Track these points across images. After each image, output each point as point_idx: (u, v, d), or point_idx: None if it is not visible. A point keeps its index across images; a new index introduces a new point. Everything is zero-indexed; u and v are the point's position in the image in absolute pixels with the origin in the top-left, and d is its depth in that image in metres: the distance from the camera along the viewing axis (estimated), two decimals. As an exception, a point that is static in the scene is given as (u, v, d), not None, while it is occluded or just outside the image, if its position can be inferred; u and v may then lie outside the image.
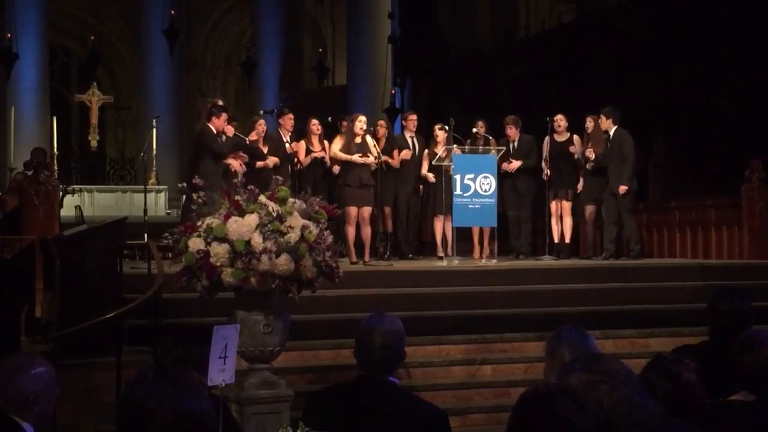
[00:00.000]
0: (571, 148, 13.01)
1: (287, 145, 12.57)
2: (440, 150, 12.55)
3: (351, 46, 22.51)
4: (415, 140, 13.28)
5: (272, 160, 12.32)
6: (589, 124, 13.06)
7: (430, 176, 12.90)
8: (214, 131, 11.72)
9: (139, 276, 9.23)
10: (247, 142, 12.33)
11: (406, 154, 13.02)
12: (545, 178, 13.06)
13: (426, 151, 13.10)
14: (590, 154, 12.85)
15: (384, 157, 12.55)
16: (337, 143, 12.36)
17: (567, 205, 13.12)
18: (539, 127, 13.37)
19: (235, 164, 11.85)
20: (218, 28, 31.82)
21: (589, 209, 13.15)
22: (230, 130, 12.06)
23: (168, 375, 2.39)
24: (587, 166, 12.94)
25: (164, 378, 2.38)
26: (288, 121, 12.87)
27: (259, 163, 12.24)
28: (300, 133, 13.07)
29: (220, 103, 12.71)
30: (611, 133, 12.78)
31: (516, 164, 13.01)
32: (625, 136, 12.75)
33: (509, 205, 13.20)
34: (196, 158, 11.81)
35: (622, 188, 12.58)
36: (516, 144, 13.17)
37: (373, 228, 12.36)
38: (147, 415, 2.31)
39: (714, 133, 15.41)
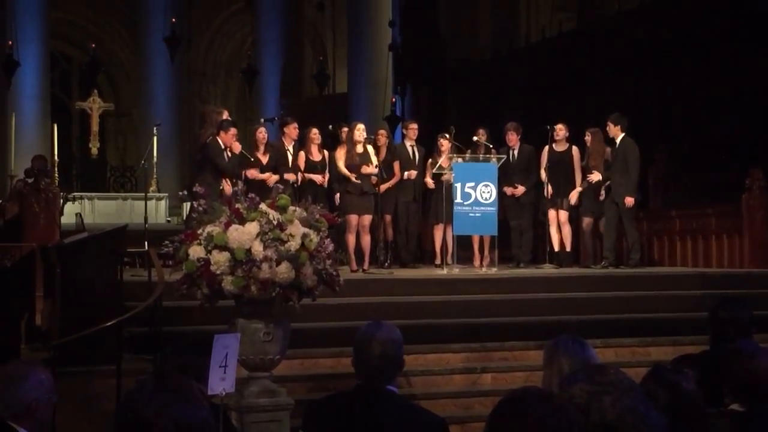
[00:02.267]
0: (590, 181, 12.93)
1: (289, 154, 12.56)
2: (444, 160, 12.57)
3: (351, 53, 22.52)
4: (415, 149, 13.29)
5: (271, 180, 12.10)
6: (587, 138, 13.03)
7: (430, 182, 12.89)
8: (222, 146, 11.70)
9: (139, 284, 9.22)
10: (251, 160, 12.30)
11: (410, 174, 13.01)
12: (546, 195, 13.02)
13: (429, 161, 13.10)
14: (596, 176, 12.81)
15: (384, 186, 12.51)
16: (341, 157, 12.26)
17: (564, 214, 13.09)
18: (539, 135, 13.37)
19: (227, 188, 11.74)
20: (219, 35, 31.86)
21: (587, 221, 13.12)
22: (237, 147, 12.00)
23: (167, 384, 2.39)
24: (592, 179, 12.90)
25: (163, 387, 2.38)
26: (293, 130, 12.80)
27: (258, 176, 12.12)
28: (300, 141, 13.06)
29: (226, 114, 12.66)
30: (618, 140, 12.76)
31: (521, 189, 13.02)
32: (631, 146, 12.73)
33: (510, 214, 13.20)
34: (196, 168, 11.77)
35: (629, 200, 12.56)
36: (516, 153, 13.15)
37: (373, 236, 12.36)
38: (146, 425, 2.31)
39: (715, 141, 15.42)
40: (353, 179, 12.00)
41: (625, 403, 2.61)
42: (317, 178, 12.53)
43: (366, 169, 12.06)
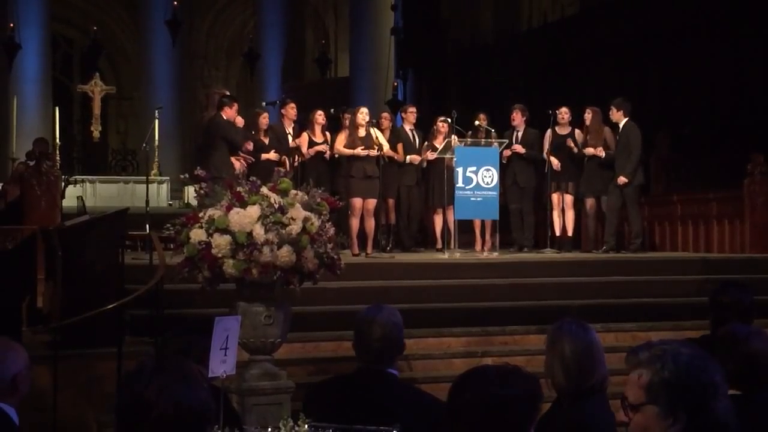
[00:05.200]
0: (569, 142, 12.96)
1: (290, 136, 12.61)
2: (440, 141, 12.57)
3: (353, 37, 22.49)
4: (414, 133, 13.28)
5: (273, 157, 12.28)
6: (587, 116, 13.00)
7: (431, 155, 12.82)
8: (229, 121, 11.72)
9: (140, 267, 9.22)
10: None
11: (414, 159, 13.00)
12: (555, 169, 12.98)
13: (425, 143, 13.10)
14: (600, 152, 12.79)
15: (389, 153, 12.50)
16: (341, 139, 12.25)
17: (569, 198, 13.10)
18: (541, 120, 13.35)
19: (237, 164, 11.79)
20: (221, 19, 31.80)
21: (590, 202, 13.12)
22: (240, 122, 12.05)
23: (167, 366, 2.40)
24: (597, 153, 12.86)
25: (163, 369, 2.38)
26: (290, 110, 12.89)
27: (264, 156, 12.21)
28: (302, 124, 13.08)
29: (227, 93, 12.70)
30: (621, 125, 12.76)
31: (519, 148, 12.98)
32: (633, 129, 12.73)
33: (511, 198, 13.19)
34: (208, 148, 11.72)
35: (621, 180, 12.57)
36: (521, 134, 13.15)
37: (375, 220, 12.34)
38: (145, 407, 2.32)
39: (716, 126, 15.40)
40: (359, 151, 11.92)
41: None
42: (321, 147, 12.57)
43: (369, 152, 12.02)
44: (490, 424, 2.65)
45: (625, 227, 13.24)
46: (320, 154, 12.63)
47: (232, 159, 11.73)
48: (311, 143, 12.66)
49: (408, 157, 12.99)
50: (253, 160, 12.01)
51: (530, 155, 13.09)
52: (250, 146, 12.10)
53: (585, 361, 3.91)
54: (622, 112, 12.78)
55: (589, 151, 12.83)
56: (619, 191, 12.73)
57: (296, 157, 12.58)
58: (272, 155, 12.28)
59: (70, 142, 25.49)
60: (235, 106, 11.86)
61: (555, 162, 12.93)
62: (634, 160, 12.67)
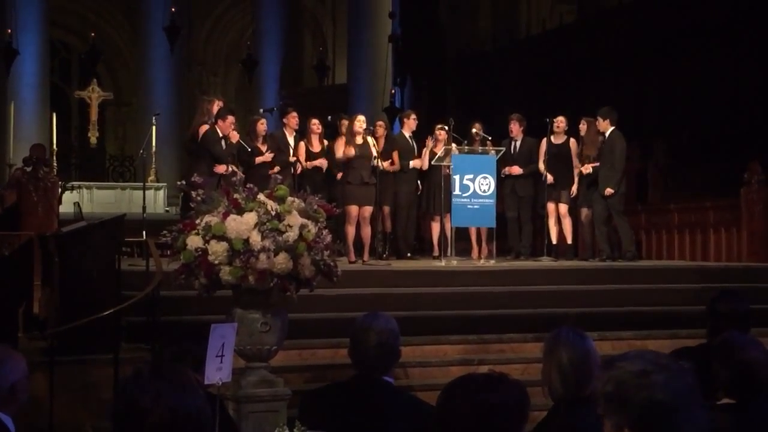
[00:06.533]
0: (580, 167, 12.94)
1: (290, 147, 12.52)
2: (439, 148, 12.58)
3: (352, 44, 22.49)
4: (413, 140, 13.27)
5: (267, 158, 12.22)
6: (582, 126, 13.00)
7: (424, 163, 12.91)
8: (219, 134, 11.65)
9: (137, 273, 9.21)
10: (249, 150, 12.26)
11: (417, 163, 13.01)
12: (548, 180, 12.96)
13: (425, 150, 13.10)
14: (587, 169, 12.75)
15: (384, 165, 12.48)
16: (340, 148, 12.24)
17: (564, 207, 13.08)
18: (538, 127, 13.35)
19: (221, 168, 11.70)
20: (219, 25, 31.83)
21: (585, 212, 13.10)
22: (235, 137, 11.96)
23: (163, 373, 2.39)
24: (584, 171, 12.86)
25: (159, 376, 2.38)
26: (292, 119, 12.78)
27: (258, 159, 12.16)
28: (300, 132, 13.04)
29: (219, 102, 12.60)
30: (607, 134, 12.73)
31: (517, 169, 13.00)
32: (618, 139, 12.68)
33: (508, 206, 13.19)
34: (192, 158, 11.72)
35: (608, 191, 12.52)
36: (518, 144, 13.14)
37: (372, 227, 12.33)
38: (141, 413, 2.32)
39: (714, 135, 15.42)
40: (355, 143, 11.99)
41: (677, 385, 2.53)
42: (321, 161, 12.54)
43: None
44: (478, 430, 2.65)
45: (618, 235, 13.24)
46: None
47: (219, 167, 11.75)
48: (309, 154, 12.60)
49: (411, 162, 12.99)
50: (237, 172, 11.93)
51: (529, 172, 13.09)
52: (267, 158, 12.10)
53: (582, 369, 3.91)
54: (608, 121, 12.71)
55: (582, 171, 12.80)
56: (603, 201, 12.70)
57: (297, 167, 12.51)
58: (267, 156, 12.19)
59: (68, 147, 25.45)
60: (230, 119, 11.78)
61: (549, 178, 12.92)
62: (618, 170, 12.60)
